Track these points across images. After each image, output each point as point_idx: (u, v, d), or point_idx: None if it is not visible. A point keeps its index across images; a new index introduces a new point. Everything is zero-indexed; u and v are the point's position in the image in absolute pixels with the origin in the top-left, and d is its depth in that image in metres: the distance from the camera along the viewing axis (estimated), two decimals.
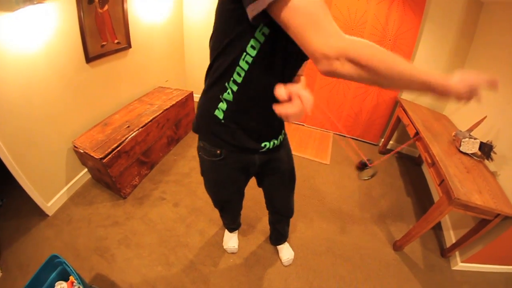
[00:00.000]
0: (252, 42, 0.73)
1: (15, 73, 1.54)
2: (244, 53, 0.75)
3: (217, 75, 0.84)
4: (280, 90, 0.66)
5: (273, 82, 0.75)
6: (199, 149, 1.06)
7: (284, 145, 1.17)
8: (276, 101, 0.69)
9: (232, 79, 0.82)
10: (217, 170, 1.09)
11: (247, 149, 0.99)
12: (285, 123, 1.14)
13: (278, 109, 0.66)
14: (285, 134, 1.14)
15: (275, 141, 1.04)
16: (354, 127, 3.23)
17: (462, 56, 2.44)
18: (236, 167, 1.08)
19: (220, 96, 0.87)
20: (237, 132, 0.93)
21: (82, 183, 2.24)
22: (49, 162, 1.90)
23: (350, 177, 2.63)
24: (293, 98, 0.66)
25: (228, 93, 0.85)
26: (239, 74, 0.80)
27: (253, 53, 0.75)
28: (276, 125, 1.01)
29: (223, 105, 0.88)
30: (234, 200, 1.43)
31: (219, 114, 0.90)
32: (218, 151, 0.99)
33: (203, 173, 1.17)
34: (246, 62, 0.77)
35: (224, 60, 0.80)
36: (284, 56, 0.79)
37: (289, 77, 0.89)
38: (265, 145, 1.00)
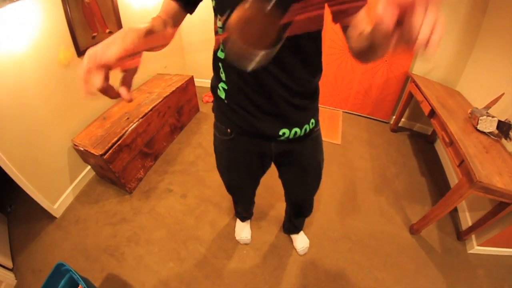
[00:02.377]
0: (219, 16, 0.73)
1: (3, 75, 1.44)
2: (219, 28, 0.74)
3: (213, 54, 0.85)
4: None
5: None
6: (214, 126, 1.04)
7: (312, 139, 1.01)
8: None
9: (218, 56, 0.82)
10: (227, 150, 1.05)
11: (260, 134, 0.89)
12: (319, 113, 1.00)
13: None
14: (314, 125, 0.97)
15: (298, 130, 0.90)
16: (364, 105, 3.09)
17: (475, 29, 2.24)
18: (248, 151, 1.01)
19: (219, 77, 0.87)
20: (241, 113, 0.87)
21: (86, 181, 2.18)
22: (51, 164, 1.83)
23: (362, 157, 2.54)
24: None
25: (221, 72, 0.84)
26: (222, 50, 0.79)
27: (220, 24, 0.74)
28: (291, 110, 0.85)
29: (223, 85, 0.86)
30: (245, 186, 1.33)
31: (221, 94, 0.89)
32: (229, 130, 0.96)
33: (215, 151, 1.13)
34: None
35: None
36: None
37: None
38: (284, 133, 0.88)
